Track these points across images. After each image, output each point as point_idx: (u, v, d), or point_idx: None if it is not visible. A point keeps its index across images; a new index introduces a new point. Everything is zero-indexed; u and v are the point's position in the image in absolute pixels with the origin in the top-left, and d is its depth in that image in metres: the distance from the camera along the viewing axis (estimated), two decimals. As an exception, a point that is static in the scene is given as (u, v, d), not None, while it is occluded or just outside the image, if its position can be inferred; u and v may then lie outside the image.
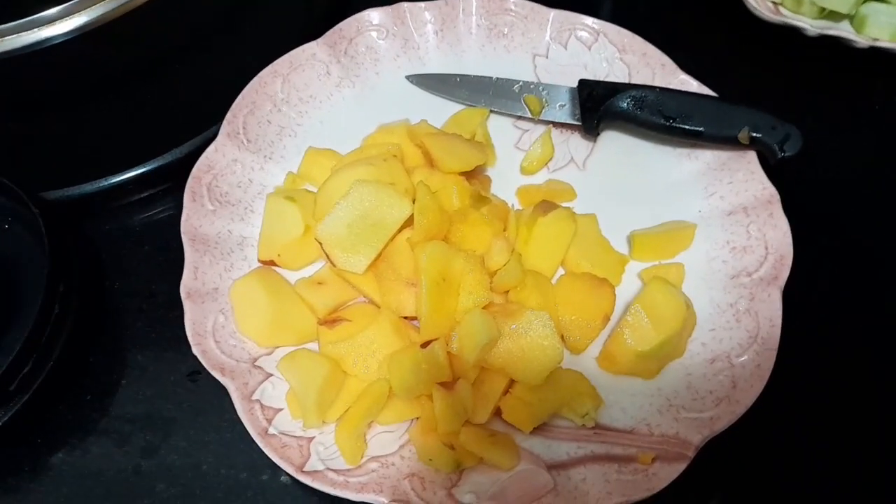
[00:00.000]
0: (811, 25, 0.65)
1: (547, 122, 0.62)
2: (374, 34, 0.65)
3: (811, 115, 0.66)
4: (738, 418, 0.47)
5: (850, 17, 0.68)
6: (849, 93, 0.68)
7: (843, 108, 0.67)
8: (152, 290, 0.57)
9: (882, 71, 0.68)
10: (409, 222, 0.52)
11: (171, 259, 0.54)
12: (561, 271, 0.55)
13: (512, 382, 0.49)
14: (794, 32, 0.66)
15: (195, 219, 0.55)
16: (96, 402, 0.53)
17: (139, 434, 0.51)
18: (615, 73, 0.63)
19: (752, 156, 0.57)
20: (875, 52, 0.65)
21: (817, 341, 0.53)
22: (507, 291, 0.52)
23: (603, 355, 0.51)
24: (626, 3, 0.75)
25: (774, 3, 0.69)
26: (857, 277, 0.57)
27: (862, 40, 0.64)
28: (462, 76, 0.64)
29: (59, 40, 0.56)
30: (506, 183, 0.60)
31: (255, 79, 0.61)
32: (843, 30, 0.66)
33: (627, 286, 0.54)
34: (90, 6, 0.57)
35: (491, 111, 0.63)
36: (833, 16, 0.68)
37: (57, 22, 0.56)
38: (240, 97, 0.60)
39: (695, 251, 0.55)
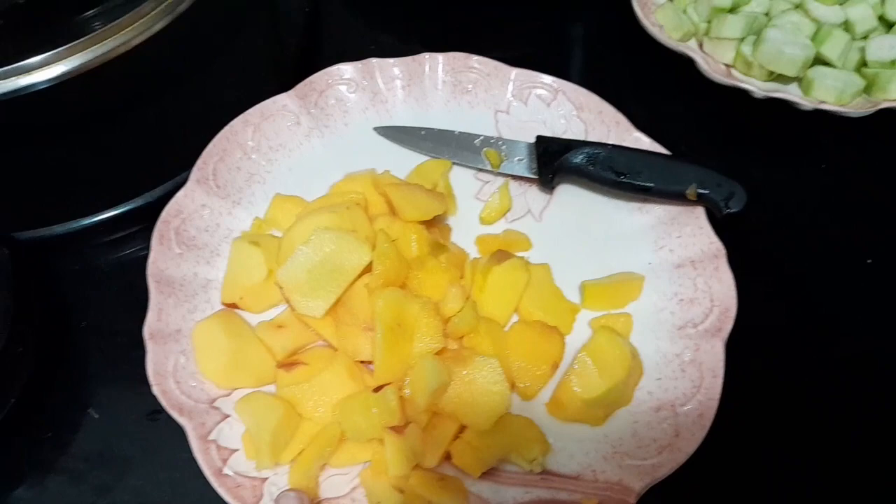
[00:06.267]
0: (759, 88, 0.68)
1: (506, 175, 0.64)
2: (343, 87, 0.68)
3: (759, 171, 0.70)
4: (678, 466, 0.48)
5: (798, 80, 0.72)
6: (795, 151, 0.72)
7: (789, 165, 0.70)
8: (116, 329, 0.58)
9: (827, 130, 0.71)
10: (368, 269, 0.54)
11: (135, 299, 0.55)
12: (515, 318, 0.57)
13: (462, 427, 0.50)
14: (744, 93, 0.69)
15: (161, 261, 0.56)
16: (55, 440, 0.54)
17: (95, 472, 0.52)
18: (572, 129, 0.66)
19: (700, 211, 0.60)
20: (820, 113, 0.69)
21: (758, 392, 0.55)
22: (462, 337, 0.54)
23: (552, 402, 0.53)
24: (592, 64, 0.79)
25: (727, 65, 0.73)
26: (799, 329, 0.59)
27: (807, 102, 0.68)
28: (427, 129, 0.66)
29: (39, 88, 0.58)
30: (466, 232, 0.62)
31: (227, 127, 0.63)
32: (790, 92, 0.69)
33: (578, 335, 0.56)
34: (70, 56, 0.59)
35: (453, 163, 0.65)
36: (782, 78, 0.71)
37: (37, 70, 0.58)
38: (211, 144, 0.62)
39: (644, 302, 0.57)
